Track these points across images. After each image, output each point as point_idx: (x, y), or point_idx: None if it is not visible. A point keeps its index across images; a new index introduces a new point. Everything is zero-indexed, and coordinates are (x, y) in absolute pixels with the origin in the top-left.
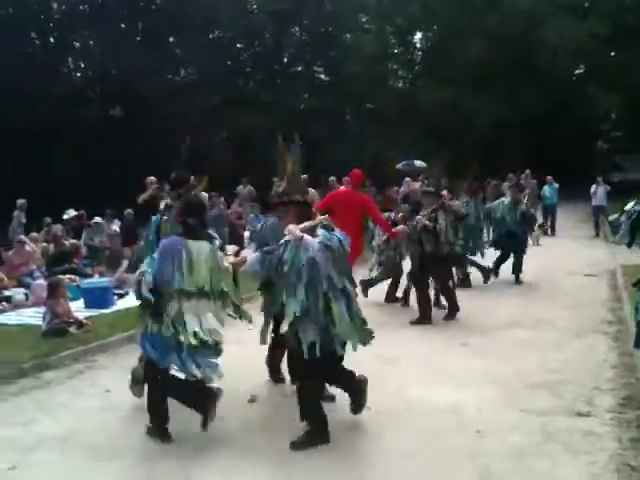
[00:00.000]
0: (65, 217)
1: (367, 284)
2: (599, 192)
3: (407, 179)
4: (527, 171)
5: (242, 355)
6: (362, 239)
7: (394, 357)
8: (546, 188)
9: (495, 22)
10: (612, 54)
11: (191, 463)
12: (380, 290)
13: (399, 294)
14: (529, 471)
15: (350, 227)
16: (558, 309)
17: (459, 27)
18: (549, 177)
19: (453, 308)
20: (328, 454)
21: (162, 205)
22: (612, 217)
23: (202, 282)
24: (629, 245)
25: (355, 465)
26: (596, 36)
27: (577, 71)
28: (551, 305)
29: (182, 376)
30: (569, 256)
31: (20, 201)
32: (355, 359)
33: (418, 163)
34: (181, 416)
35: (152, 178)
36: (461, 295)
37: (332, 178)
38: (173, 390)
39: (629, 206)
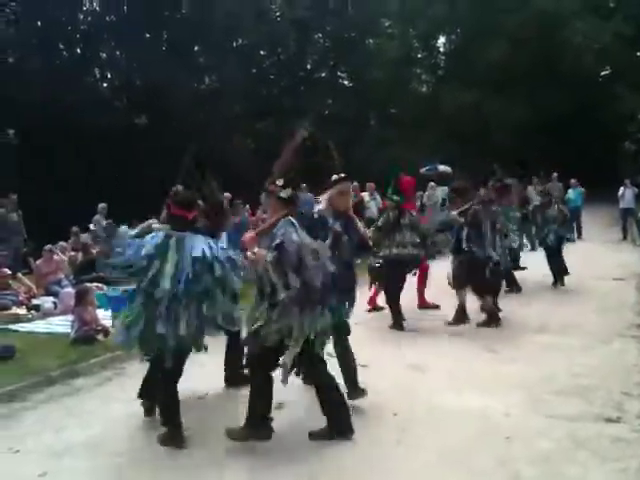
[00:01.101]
0: (92, 227)
1: None
2: (627, 194)
3: (431, 184)
4: (554, 174)
5: None
6: None
7: (421, 363)
8: (570, 191)
9: (518, 23)
10: (638, 54)
11: (217, 470)
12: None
13: None
14: (559, 477)
15: None
16: (586, 313)
17: (482, 29)
18: (573, 180)
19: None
20: (354, 459)
21: None
22: None
23: None
24: None
25: (384, 470)
26: (621, 36)
27: (603, 72)
28: (579, 309)
29: None
30: (596, 260)
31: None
32: (382, 365)
33: (442, 168)
34: (205, 423)
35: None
36: None
37: (355, 184)
38: None
39: None
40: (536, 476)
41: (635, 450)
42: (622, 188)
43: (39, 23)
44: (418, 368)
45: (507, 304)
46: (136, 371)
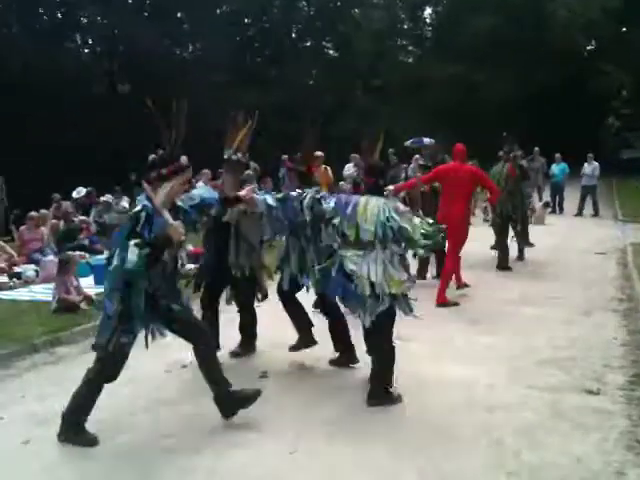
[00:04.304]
0: (75, 195)
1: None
2: (589, 170)
3: (416, 156)
4: (536, 149)
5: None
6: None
7: (403, 335)
8: (554, 166)
9: None
10: (624, 30)
11: (199, 439)
12: None
13: None
14: (541, 446)
15: (460, 198)
16: (567, 287)
17: (468, 1)
18: (557, 155)
19: None
20: (341, 429)
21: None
22: None
23: None
24: None
25: (369, 439)
26: (607, 11)
27: (588, 47)
28: (560, 283)
29: None
30: (578, 234)
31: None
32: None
33: (427, 141)
34: (191, 393)
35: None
36: (471, 274)
37: (319, 153)
38: None
39: None
40: (519, 445)
41: (615, 421)
42: (586, 164)
43: None
44: (400, 339)
45: (489, 277)
46: None
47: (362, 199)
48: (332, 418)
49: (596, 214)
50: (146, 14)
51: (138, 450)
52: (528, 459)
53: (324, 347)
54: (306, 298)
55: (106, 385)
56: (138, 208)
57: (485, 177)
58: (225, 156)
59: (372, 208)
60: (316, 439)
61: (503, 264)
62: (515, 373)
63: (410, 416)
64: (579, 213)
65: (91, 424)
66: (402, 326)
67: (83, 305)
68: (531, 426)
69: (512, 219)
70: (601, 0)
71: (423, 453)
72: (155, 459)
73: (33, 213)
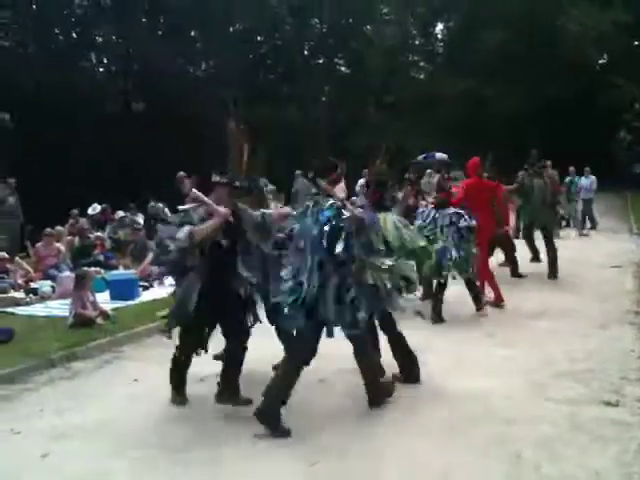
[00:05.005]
0: (90, 212)
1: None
2: (587, 184)
3: (428, 171)
4: (548, 162)
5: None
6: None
7: (422, 347)
8: (569, 180)
9: (516, 10)
10: (635, 43)
11: (217, 452)
12: None
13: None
14: (560, 459)
15: (484, 210)
16: (584, 300)
17: (480, 16)
18: (571, 169)
19: None
20: (357, 439)
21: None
22: None
23: None
24: None
25: (386, 448)
26: (618, 24)
27: (600, 60)
28: (577, 296)
29: None
30: (593, 248)
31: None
32: (384, 350)
33: (439, 155)
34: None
35: (181, 173)
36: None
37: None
38: None
39: None
40: (538, 457)
41: (634, 433)
42: (583, 178)
43: (34, 7)
44: (419, 352)
45: (505, 290)
46: (135, 354)
47: (379, 215)
48: (349, 432)
49: (583, 228)
50: (160, 33)
51: (155, 464)
52: (547, 472)
53: (344, 361)
54: None
55: (116, 402)
56: (332, 201)
57: (501, 197)
58: (237, 184)
59: (389, 222)
60: (333, 453)
61: (553, 272)
62: (533, 385)
63: (427, 428)
64: (592, 227)
65: (107, 439)
66: (418, 338)
67: (99, 320)
68: (550, 438)
69: (547, 230)
70: (612, 14)
71: (441, 466)
72: (174, 473)
73: (49, 229)
